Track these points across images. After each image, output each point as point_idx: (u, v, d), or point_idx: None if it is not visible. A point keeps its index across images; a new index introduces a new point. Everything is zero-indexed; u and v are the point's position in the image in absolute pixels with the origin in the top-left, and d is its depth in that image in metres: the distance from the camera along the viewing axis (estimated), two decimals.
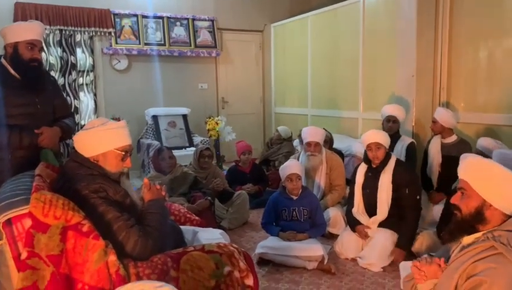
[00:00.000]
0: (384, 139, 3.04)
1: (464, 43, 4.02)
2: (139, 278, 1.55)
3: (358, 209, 3.17)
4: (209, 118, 5.90)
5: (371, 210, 3.11)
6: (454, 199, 1.61)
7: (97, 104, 5.85)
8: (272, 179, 4.80)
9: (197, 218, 2.53)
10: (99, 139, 1.82)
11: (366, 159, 3.15)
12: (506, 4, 3.65)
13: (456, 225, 1.61)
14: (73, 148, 1.89)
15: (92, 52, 5.77)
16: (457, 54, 4.09)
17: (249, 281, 1.75)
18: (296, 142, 5.13)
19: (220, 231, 2.34)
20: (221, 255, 1.73)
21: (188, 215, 2.51)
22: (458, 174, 1.62)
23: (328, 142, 4.43)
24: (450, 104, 4.17)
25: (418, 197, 3.03)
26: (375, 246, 2.96)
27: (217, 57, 6.65)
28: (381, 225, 3.05)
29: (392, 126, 3.79)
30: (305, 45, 6.11)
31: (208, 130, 5.85)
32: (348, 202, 3.36)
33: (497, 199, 1.49)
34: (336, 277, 2.81)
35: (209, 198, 3.43)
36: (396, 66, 4.37)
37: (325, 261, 2.90)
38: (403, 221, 3.00)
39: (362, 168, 3.20)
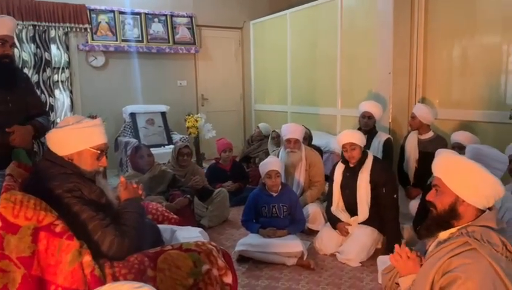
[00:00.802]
0: (358, 138, 3.02)
1: (439, 40, 4.10)
2: (115, 278, 1.53)
3: (338, 206, 3.18)
4: (189, 115, 5.86)
5: (351, 209, 3.13)
6: (429, 196, 1.64)
7: (73, 101, 5.73)
8: (252, 176, 4.79)
9: (175, 216, 2.51)
10: (74, 137, 1.78)
11: (344, 159, 3.16)
12: (479, 2, 3.74)
13: (432, 222, 1.63)
14: (47, 146, 1.84)
15: (68, 48, 5.64)
16: (432, 51, 4.17)
17: (228, 279, 1.75)
18: (269, 145, 5.15)
19: (199, 229, 2.32)
20: (199, 253, 1.72)
21: (166, 214, 2.48)
22: (432, 171, 1.65)
23: (307, 138, 4.46)
24: (425, 101, 4.25)
25: (395, 196, 3.04)
26: (354, 242, 2.99)
27: (196, 53, 6.60)
28: (362, 222, 3.07)
29: (367, 122, 3.84)
30: (284, 42, 6.12)
31: (188, 127, 5.80)
32: (327, 200, 3.38)
33: (469, 194, 1.51)
34: (315, 273, 2.83)
35: (188, 196, 3.40)
36: (374, 63, 4.42)
37: (305, 257, 2.92)
38: (385, 223, 3.00)
39: (340, 168, 3.20)
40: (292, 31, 6.00)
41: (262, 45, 6.77)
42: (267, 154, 4.74)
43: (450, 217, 1.57)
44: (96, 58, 5.84)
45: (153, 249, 1.73)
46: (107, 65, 5.97)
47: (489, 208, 1.56)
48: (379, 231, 3.06)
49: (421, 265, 1.64)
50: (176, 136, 5.79)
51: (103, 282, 1.48)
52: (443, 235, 1.60)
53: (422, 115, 3.60)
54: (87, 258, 1.50)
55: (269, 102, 6.73)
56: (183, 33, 6.44)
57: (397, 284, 1.75)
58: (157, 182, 3.55)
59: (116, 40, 5.90)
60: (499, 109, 3.58)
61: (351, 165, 3.11)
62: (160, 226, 2.17)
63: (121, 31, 5.92)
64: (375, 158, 3.14)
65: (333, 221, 3.17)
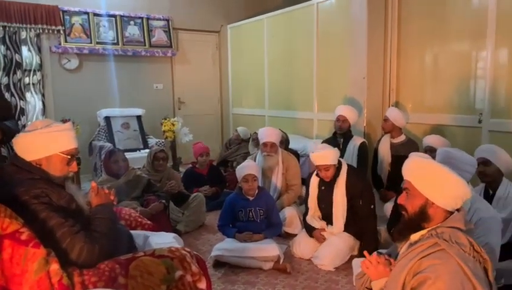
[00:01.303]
0: (331, 159, 2.94)
1: (412, 47, 4.20)
2: (84, 286, 1.49)
3: (314, 216, 3.17)
4: (165, 119, 5.78)
5: (328, 219, 3.10)
6: (400, 200, 1.67)
7: (45, 105, 5.57)
8: (230, 180, 4.77)
9: (148, 222, 2.47)
10: (43, 142, 1.73)
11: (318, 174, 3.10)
12: (450, 9, 3.86)
13: (403, 225, 1.66)
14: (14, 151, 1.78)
15: (39, 50, 5.49)
16: (405, 57, 4.27)
17: (202, 285, 1.73)
18: (250, 146, 5.15)
19: (173, 234, 2.29)
20: (172, 259, 1.69)
21: (139, 220, 2.44)
22: (403, 175, 1.68)
23: (284, 142, 4.48)
24: (399, 105, 4.34)
25: (372, 206, 3.02)
26: (329, 247, 2.98)
27: (173, 57, 6.55)
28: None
29: (341, 125, 3.89)
30: (261, 46, 6.14)
31: (164, 131, 5.73)
32: (305, 208, 3.34)
33: (438, 197, 1.55)
34: (291, 276, 2.83)
35: (163, 201, 3.35)
36: (349, 68, 4.49)
37: (281, 261, 2.92)
38: (362, 233, 2.99)
39: (315, 180, 3.15)
40: (269, 36, 6.03)
41: (239, 48, 6.77)
42: (244, 158, 4.72)
43: (420, 219, 1.60)
44: (69, 60, 5.71)
45: (125, 255, 1.69)
46: (81, 68, 5.85)
47: (458, 210, 1.59)
48: (356, 238, 3.04)
49: (391, 268, 1.66)
50: (152, 140, 5.72)
51: None
52: (414, 237, 1.63)
53: (394, 117, 3.68)
54: (55, 266, 1.45)
55: (247, 106, 6.74)
56: (159, 36, 6.38)
57: (369, 288, 1.77)
58: (132, 187, 3.49)
59: (91, 43, 5.78)
60: (468, 113, 3.69)
61: (326, 181, 3.07)
62: (133, 232, 2.13)
63: (95, 33, 5.81)
64: (349, 168, 3.09)
65: (309, 229, 3.15)
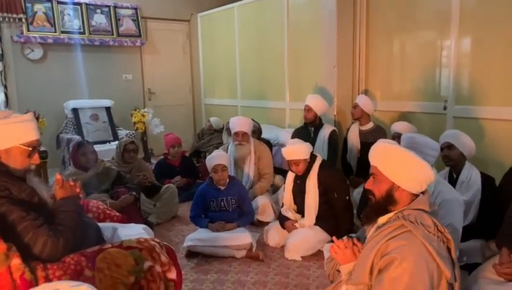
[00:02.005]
0: (301, 153, 2.95)
1: (380, 36, 4.26)
2: (48, 281, 1.44)
3: (290, 208, 3.18)
4: (135, 110, 5.67)
5: (303, 214, 3.11)
6: (368, 185, 1.70)
7: (8, 97, 5.35)
8: (202, 171, 4.73)
9: (117, 214, 2.42)
10: (1, 134, 1.66)
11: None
12: (416, 0, 3.92)
13: (371, 209, 1.70)
14: None
15: (0, 40, 5.24)
16: (373, 45, 4.33)
17: (172, 275, 1.71)
18: (224, 136, 5.13)
19: (143, 226, 2.26)
20: (140, 250, 1.67)
21: (108, 212, 2.38)
22: (370, 161, 1.71)
23: (257, 132, 4.49)
24: (368, 93, 4.41)
25: (347, 197, 3.05)
26: (297, 236, 2.98)
27: (142, 46, 6.41)
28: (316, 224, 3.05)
29: (306, 115, 3.91)
30: (232, 36, 6.09)
31: (134, 122, 5.63)
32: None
33: (404, 180, 1.58)
34: (264, 264, 2.86)
35: (133, 193, 3.30)
36: (319, 57, 4.51)
37: (254, 249, 2.94)
38: (339, 224, 2.99)
39: (291, 174, 3.17)
40: (240, 24, 5.98)
41: (210, 38, 6.69)
42: (217, 148, 4.70)
43: (387, 203, 1.63)
44: (33, 50, 5.50)
45: (91, 248, 1.66)
46: (46, 58, 5.64)
47: (423, 193, 1.64)
48: (329, 233, 2.98)
49: (359, 251, 1.69)
50: (122, 132, 5.61)
51: (35, 286, 1.39)
52: (381, 220, 1.66)
53: (363, 104, 3.75)
54: (16, 261, 1.40)
55: (219, 96, 6.69)
56: (127, 25, 6.22)
57: (339, 271, 1.80)
58: (101, 180, 3.41)
59: (55, 32, 5.58)
60: (434, 100, 3.78)
61: (299, 174, 3.08)
62: (101, 224, 2.08)
63: (60, 22, 5.61)
64: (322, 162, 3.09)
65: (282, 220, 3.16)
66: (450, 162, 2.75)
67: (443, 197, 2.28)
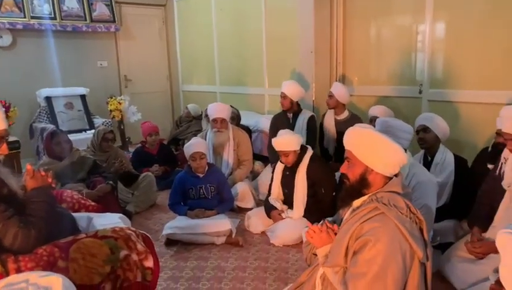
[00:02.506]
0: (291, 145, 2.94)
1: (357, 21, 4.27)
2: (20, 272, 1.41)
3: (277, 199, 3.17)
4: (111, 97, 5.54)
5: (290, 206, 3.11)
6: (342, 169, 1.72)
7: None
8: (181, 158, 4.70)
9: (93, 204, 2.38)
10: None
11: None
12: None
13: (345, 192, 1.72)
14: None
15: None
16: (350, 30, 4.33)
17: (149, 263, 1.70)
18: (203, 122, 5.08)
19: (119, 215, 2.23)
20: (116, 239, 1.64)
21: (83, 202, 2.34)
22: (344, 145, 1.73)
23: (235, 118, 4.46)
24: (345, 78, 4.43)
25: (334, 193, 3.03)
26: (283, 225, 2.99)
27: (117, 32, 6.24)
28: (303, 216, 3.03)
29: (282, 102, 3.89)
30: (209, 21, 6.00)
31: (110, 110, 5.50)
32: (268, 190, 3.31)
33: (377, 164, 1.60)
34: (243, 249, 2.88)
35: (110, 182, 3.25)
36: (297, 43, 4.49)
37: (233, 235, 2.95)
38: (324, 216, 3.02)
39: (280, 165, 3.17)
40: (217, 9, 5.88)
41: (187, 23, 6.57)
42: (196, 135, 4.66)
43: (361, 186, 1.65)
44: (1, 37, 5.28)
45: (65, 238, 1.63)
46: (16, 45, 5.43)
47: (396, 175, 1.66)
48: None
49: (335, 233, 1.71)
50: (98, 120, 5.49)
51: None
52: (356, 203, 1.69)
53: (339, 94, 3.74)
54: None
55: (197, 82, 6.61)
56: (101, 10, 6.03)
57: (316, 254, 1.82)
58: (76, 169, 3.34)
59: (25, 17, 5.36)
60: (410, 84, 3.83)
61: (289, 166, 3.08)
62: (75, 214, 2.05)
63: (29, 7, 5.38)
64: (312, 155, 3.08)
65: (268, 208, 3.15)
66: (425, 144, 2.80)
67: (418, 180, 2.33)
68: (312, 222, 2.91)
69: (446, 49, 3.53)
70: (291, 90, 3.85)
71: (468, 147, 3.33)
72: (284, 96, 3.87)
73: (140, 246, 1.69)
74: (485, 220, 2.28)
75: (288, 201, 3.11)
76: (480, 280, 2.02)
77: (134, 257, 1.65)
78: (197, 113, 5.45)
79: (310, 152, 3.07)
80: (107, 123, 5.30)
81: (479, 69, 3.28)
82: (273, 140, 3.02)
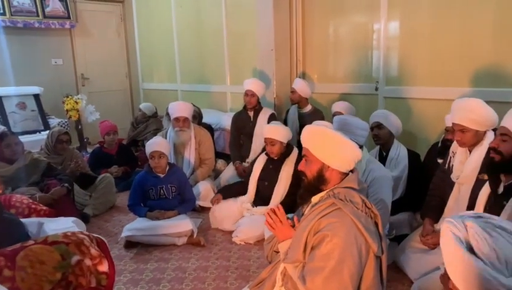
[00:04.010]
0: (279, 134, 2.95)
1: (315, 19, 4.32)
2: None
3: (250, 200, 3.16)
4: (67, 97, 5.34)
5: (264, 200, 3.09)
6: (300, 166, 1.74)
7: None
8: (142, 159, 4.61)
9: (44, 208, 2.28)
10: None
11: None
12: None
13: (304, 189, 1.74)
14: None
15: None
16: (309, 29, 4.38)
17: (103, 267, 1.65)
18: (164, 121, 4.98)
19: (73, 218, 2.15)
20: (67, 244, 1.58)
21: (34, 206, 2.24)
22: (302, 143, 1.75)
23: (197, 117, 4.42)
24: (306, 76, 4.48)
25: None
26: (248, 222, 2.98)
27: (72, 29, 6.02)
28: None
29: (250, 100, 3.89)
30: (169, 17, 5.89)
31: (67, 110, 5.30)
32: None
33: (333, 160, 1.63)
34: (205, 249, 2.86)
35: (66, 185, 3.12)
36: (257, 40, 4.50)
37: (195, 235, 2.92)
38: None
39: (262, 159, 3.16)
40: (176, 6, 5.79)
41: (146, 20, 6.42)
42: (155, 134, 4.57)
43: (318, 182, 1.68)
44: None
45: (12, 246, 1.55)
46: None
47: (352, 171, 1.70)
48: None
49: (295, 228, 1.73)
50: (54, 121, 5.27)
51: None
52: (314, 199, 1.71)
53: (301, 88, 3.81)
54: None
55: (158, 80, 6.48)
56: (54, 6, 5.78)
57: (277, 251, 1.84)
58: (29, 172, 3.19)
59: None
60: (367, 81, 3.93)
61: (274, 158, 3.06)
62: (25, 220, 1.95)
63: None
64: (300, 152, 3.11)
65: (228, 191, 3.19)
66: (380, 140, 2.89)
67: (374, 175, 2.39)
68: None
69: (400, 47, 3.64)
70: (258, 87, 3.88)
71: (421, 142, 3.46)
72: (252, 94, 3.86)
73: (94, 251, 1.64)
74: (437, 211, 2.38)
75: (264, 194, 3.10)
76: (432, 269, 2.10)
77: (88, 262, 1.60)
78: (152, 112, 5.33)
79: (296, 151, 3.09)
80: (63, 123, 5.10)
81: (431, 67, 3.41)
82: (264, 127, 3.05)
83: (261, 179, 3.13)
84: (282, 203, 2.87)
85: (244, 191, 3.20)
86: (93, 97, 5.93)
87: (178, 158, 3.84)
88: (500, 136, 1.73)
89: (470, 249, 0.98)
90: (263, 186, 3.11)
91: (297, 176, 2.94)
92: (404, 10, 3.56)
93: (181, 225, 2.90)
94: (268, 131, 3.00)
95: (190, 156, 3.84)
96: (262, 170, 3.13)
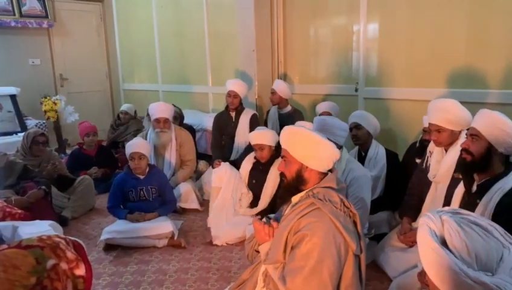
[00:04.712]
0: (266, 139, 2.95)
1: (296, 20, 4.34)
2: None
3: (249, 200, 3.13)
4: (45, 97, 5.23)
5: (253, 201, 3.10)
6: (280, 167, 1.75)
7: None
8: (122, 160, 4.54)
9: (19, 211, 2.23)
10: None
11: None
12: None
13: (284, 189, 1.76)
14: None
15: None
16: (290, 30, 4.41)
17: (80, 271, 1.62)
18: (145, 122, 4.92)
19: (50, 222, 2.11)
20: (42, 248, 1.55)
21: (8, 210, 2.19)
22: (281, 145, 1.75)
23: (178, 118, 4.38)
24: (287, 77, 4.51)
25: None
26: (227, 225, 2.97)
27: (50, 28, 5.90)
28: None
29: (233, 101, 3.88)
30: (150, 18, 5.84)
31: (45, 111, 5.19)
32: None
33: (311, 161, 1.64)
34: (186, 251, 2.84)
35: (43, 187, 3.06)
36: (239, 40, 4.50)
37: (175, 237, 2.89)
38: None
39: (250, 160, 3.16)
40: (157, 6, 5.74)
41: (126, 19, 6.35)
42: (136, 135, 4.52)
43: (298, 183, 1.69)
44: None
45: None
46: None
47: (331, 171, 1.71)
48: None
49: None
50: (31, 122, 5.16)
51: None
52: (294, 199, 1.72)
53: (281, 90, 3.82)
54: None
55: (139, 81, 6.41)
56: (31, 5, 5.66)
57: (258, 251, 1.84)
58: (4, 175, 3.12)
59: None
60: (347, 82, 3.97)
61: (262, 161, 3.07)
62: None
63: None
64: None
65: None
66: (359, 141, 2.93)
67: (353, 175, 2.42)
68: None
69: (379, 49, 3.70)
70: (241, 88, 3.88)
71: (400, 142, 3.52)
72: (234, 95, 3.85)
73: (70, 254, 1.61)
74: (414, 210, 2.43)
75: (253, 192, 3.10)
76: (411, 267, 2.13)
77: (64, 265, 1.57)
78: (133, 111, 5.25)
79: None
80: (41, 125, 5.00)
81: (409, 68, 3.47)
82: (250, 134, 3.04)
83: (250, 178, 3.14)
84: (270, 204, 2.98)
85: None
86: (73, 98, 5.84)
87: (159, 159, 3.81)
88: (470, 137, 1.78)
89: (443, 243, 1.01)
90: (252, 185, 3.13)
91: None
92: (382, 13, 3.62)
93: (161, 226, 2.88)
94: (256, 137, 2.99)
95: (171, 157, 3.81)
96: (251, 170, 3.13)
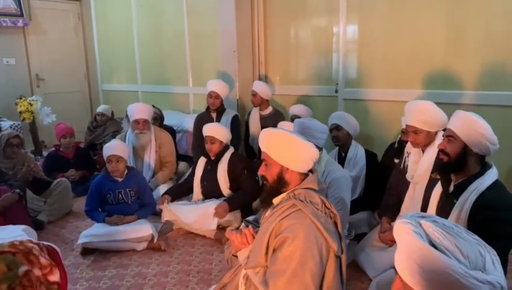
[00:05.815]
0: (219, 134, 3.04)
1: (276, 21, 4.35)
2: None
3: (198, 199, 3.18)
4: (21, 98, 5.09)
5: (208, 197, 3.13)
6: (260, 171, 1.74)
7: None
8: (100, 162, 4.44)
9: None
10: None
11: (206, 153, 3.17)
12: None
13: (266, 193, 1.74)
14: None
15: None
16: (271, 31, 4.41)
17: (54, 277, 1.57)
18: (124, 123, 4.85)
19: (24, 226, 2.04)
20: (14, 254, 1.49)
21: None
22: (260, 147, 1.74)
23: (158, 119, 4.33)
24: (268, 78, 4.51)
25: (257, 178, 3.12)
26: (198, 209, 2.98)
27: (25, 27, 5.75)
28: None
29: (214, 102, 3.86)
30: (129, 17, 5.76)
31: (20, 112, 5.05)
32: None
33: (291, 162, 1.64)
34: (166, 254, 2.80)
35: (17, 190, 2.96)
36: (219, 41, 4.48)
37: (155, 240, 2.85)
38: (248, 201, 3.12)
39: (202, 161, 3.20)
40: (137, 6, 5.66)
41: (105, 19, 6.24)
42: (115, 136, 4.43)
43: (279, 185, 1.68)
44: None
45: None
46: None
47: (312, 172, 1.71)
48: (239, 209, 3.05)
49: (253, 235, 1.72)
50: (6, 123, 5.01)
51: None
52: (276, 200, 1.71)
53: (261, 90, 3.82)
54: None
55: (118, 81, 6.31)
56: (6, 3, 5.51)
57: (236, 256, 1.82)
58: None
59: None
60: (327, 84, 3.99)
61: (212, 158, 3.13)
62: None
63: None
64: (234, 152, 3.19)
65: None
66: (338, 142, 2.95)
67: (333, 176, 2.43)
68: (235, 206, 2.99)
69: (358, 50, 3.73)
70: (222, 89, 3.87)
71: (379, 142, 3.56)
72: (216, 95, 3.83)
73: (44, 260, 1.56)
74: (393, 210, 2.46)
75: (207, 193, 3.15)
76: (390, 266, 2.15)
77: (37, 272, 1.52)
78: (110, 113, 5.16)
79: (231, 150, 3.19)
80: (16, 126, 4.86)
81: (387, 69, 3.52)
82: (205, 126, 3.12)
83: (202, 180, 3.19)
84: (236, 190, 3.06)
85: (190, 190, 3.27)
86: (49, 99, 5.70)
87: (138, 161, 3.75)
88: (446, 138, 1.80)
89: (432, 245, 0.92)
90: (204, 186, 3.18)
91: (232, 173, 3.08)
92: (361, 15, 3.65)
93: (141, 229, 2.83)
94: (210, 130, 3.09)
95: (150, 159, 3.76)
96: (203, 172, 3.19)
